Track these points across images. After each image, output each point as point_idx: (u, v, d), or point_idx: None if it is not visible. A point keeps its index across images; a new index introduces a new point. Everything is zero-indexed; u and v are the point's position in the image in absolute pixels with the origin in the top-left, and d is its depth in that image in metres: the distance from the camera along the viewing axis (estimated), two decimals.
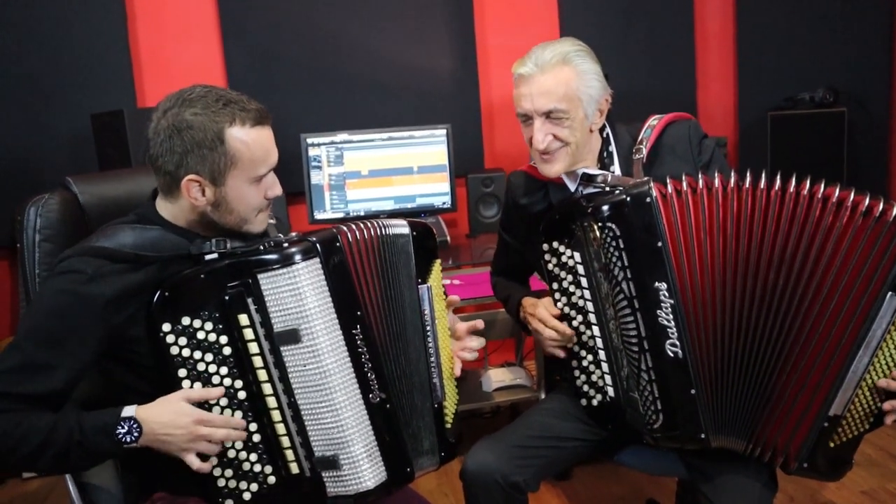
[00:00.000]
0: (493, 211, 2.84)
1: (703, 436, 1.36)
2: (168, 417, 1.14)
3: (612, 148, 1.57)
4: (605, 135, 1.57)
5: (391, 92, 3.02)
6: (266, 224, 1.30)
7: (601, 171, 1.51)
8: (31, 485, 2.66)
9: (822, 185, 1.29)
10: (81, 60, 2.74)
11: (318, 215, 2.75)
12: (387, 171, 2.78)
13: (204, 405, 1.17)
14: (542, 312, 1.50)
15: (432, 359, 1.32)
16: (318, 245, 1.20)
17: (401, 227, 1.32)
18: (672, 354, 1.33)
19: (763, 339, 1.32)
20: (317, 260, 1.19)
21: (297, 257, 1.17)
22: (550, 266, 1.48)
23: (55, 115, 2.74)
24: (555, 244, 1.46)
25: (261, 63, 2.90)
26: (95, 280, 1.16)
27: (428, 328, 1.32)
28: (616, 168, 1.55)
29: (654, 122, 1.56)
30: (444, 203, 2.83)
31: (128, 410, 1.14)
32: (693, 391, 1.34)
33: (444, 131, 2.79)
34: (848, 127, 2.94)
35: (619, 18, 3.14)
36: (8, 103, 2.69)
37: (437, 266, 1.39)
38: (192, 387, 1.18)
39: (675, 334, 1.33)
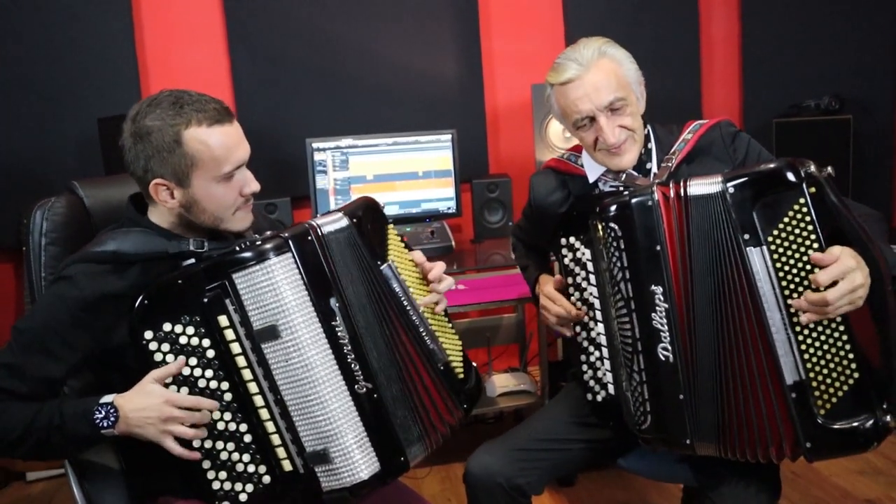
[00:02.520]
0: (497, 216, 2.84)
1: (688, 441, 1.35)
2: (140, 401, 1.16)
3: (652, 145, 1.58)
4: (645, 132, 1.58)
5: (396, 97, 3.02)
6: (249, 222, 1.31)
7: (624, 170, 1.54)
8: (36, 487, 2.67)
9: (683, 184, 1.32)
10: (88, 65, 2.75)
11: None
12: (392, 176, 2.78)
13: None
14: (551, 289, 1.52)
15: (421, 329, 1.33)
16: (289, 240, 1.21)
17: (337, 222, 1.29)
18: (663, 358, 1.34)
19: (729, 338, 1.31)
20: (289, 255, 1.20)
21: (270, 254, 1.18)
22: (566, 260, 1.50)
23: (62, 119, 2.75)
24: (571, 239, 1.48)
25: (267, 67, 2.91)
26: (81, 285, 1.20)
27: (405, 304, 1.32)
28: (654, 165, 1.57)
29: (689, 135, 1.57)
30: (448, 208, 2.83)
31: (107, 397, 1.18)
32: (682, 396, 1.33)
33: (449, 136, 2.79)
34: (853, 134, 2.93)
35: (625, 24, 3.15)
36: (15, 107, 2.70)
37: (391, 232, 1.39)
38: (178, 392, 1.19)
39: (668, 338, 1.33)
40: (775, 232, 1.24)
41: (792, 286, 1.24)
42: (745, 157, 1.55)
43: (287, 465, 1.20)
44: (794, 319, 1.24)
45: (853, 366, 1.22)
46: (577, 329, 1.50)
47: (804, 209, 1.22)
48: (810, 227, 1.22)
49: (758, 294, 1.25)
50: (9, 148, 2.71)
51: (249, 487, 1.20)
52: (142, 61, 2.84)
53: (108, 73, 2.77)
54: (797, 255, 1.23)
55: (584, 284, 1.47)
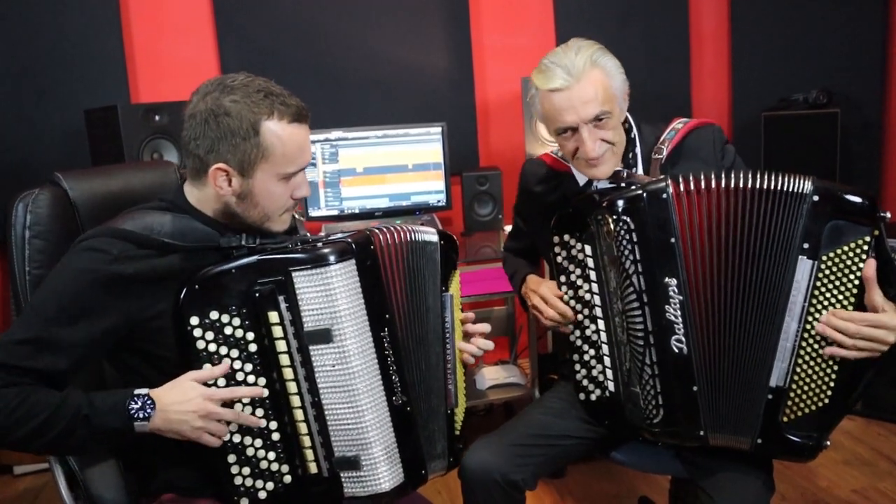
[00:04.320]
0: (487, 209, 2.84)
1: (701, 433, 1.37)
2: (179, 396, 1.13)
3: (637, 150, 1.57)
4: (631, 136, 1.56)
5: (386, 89, 3.01)
6: (288, 224, 1.29)
7: (622, 169, 1.52)
8: (21, 483, 2.65)
9: (760, 177, 1.33)
10: (75, 55, 2.72)
11: (313, 213, 2.74)
12: (382, 169, 2.77)
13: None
14: (545, 291, 1.52)
15: (449, 365, 1.33)
16: (353, 246, 1.19)
17: (430, 235, 1.34)
18: (677, 350, 1.35)
19: (748, 332, 1.34)
20: (352, 261, 1.18)
21: (332, 258, 1.16)
22: (559, 259, 1.49)
23: (48, 111, 2.72)
24: (566, 237, 1.47)
25: (256, 59, 2.89)
26: (119, 262, 1.15)
27: (448, 335, 1.34)
28: (639, 169, 1.56)
29: (679, 125, 1.57)
30: (438, 201, 2.82)
31: (141, 389, 1.13)
32: (695, 388, 1.35)
33: (439, 129, 2.79)
34: (841, 128, 2.95)
35: (615, 18, 3.14)
36: (1, 98, 2.67)
37: (456, 277, 1.41)
38: (215, 383, 1.16)
39: (682, 330, 1.34)
40: (831, 254, 1.29)
41: (820, 306, 1.30)
42: (732, 166, 1.54)
43: (313, 468, 1.20)
44: (805, 335, 1.31)
45: (829, 393, 1.32)
46: (570, 328, 1.50)
47: (864, 246, 1.28)
48: (861, 265, 1.28)
49: (788, 300, 1.31)
50: None
51: (270, 486, 1.19)
52: (129, 52, 2.81)
53: (95, 64, 2.74)
54: (836, 283, 1.30)
55: (579, 282, 1.47)
